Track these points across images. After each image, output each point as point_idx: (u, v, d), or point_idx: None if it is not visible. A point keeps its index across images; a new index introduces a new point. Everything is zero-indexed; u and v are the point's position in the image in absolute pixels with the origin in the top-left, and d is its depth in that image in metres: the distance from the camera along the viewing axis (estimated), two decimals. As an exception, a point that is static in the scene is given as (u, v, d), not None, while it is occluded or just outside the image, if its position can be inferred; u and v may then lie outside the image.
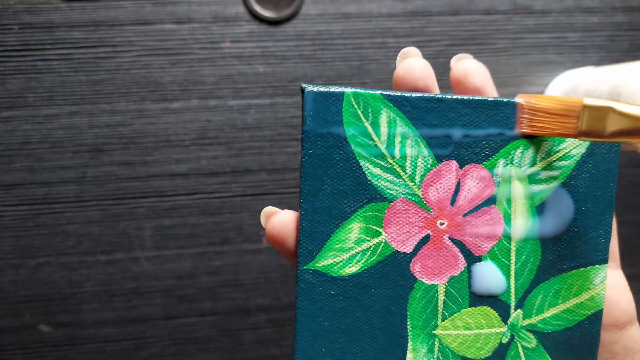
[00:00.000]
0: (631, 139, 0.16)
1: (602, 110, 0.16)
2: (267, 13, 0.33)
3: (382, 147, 0.18)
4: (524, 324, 0.19)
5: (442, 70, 0.35)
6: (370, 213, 0.18)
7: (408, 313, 0.18)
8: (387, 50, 0.34)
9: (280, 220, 0.19)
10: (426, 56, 0.35)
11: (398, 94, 0.18)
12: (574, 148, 0.18)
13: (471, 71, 0.19)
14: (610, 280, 0.19)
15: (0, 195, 0.33)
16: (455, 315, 0.18)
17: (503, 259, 0.18)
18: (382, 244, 0.18)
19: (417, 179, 0.18)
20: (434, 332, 0.18)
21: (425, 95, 0.18)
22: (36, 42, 0.32)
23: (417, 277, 0.18)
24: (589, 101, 0.16)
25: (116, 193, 0.34)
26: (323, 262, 0.18)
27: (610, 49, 0.36)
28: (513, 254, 0.18)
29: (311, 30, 0.34)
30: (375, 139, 0.18)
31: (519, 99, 0.18)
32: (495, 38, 0.35)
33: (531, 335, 0.19)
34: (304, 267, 0.18)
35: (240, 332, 0.36)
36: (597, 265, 0.19)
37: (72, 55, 0.33)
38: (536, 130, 0.18)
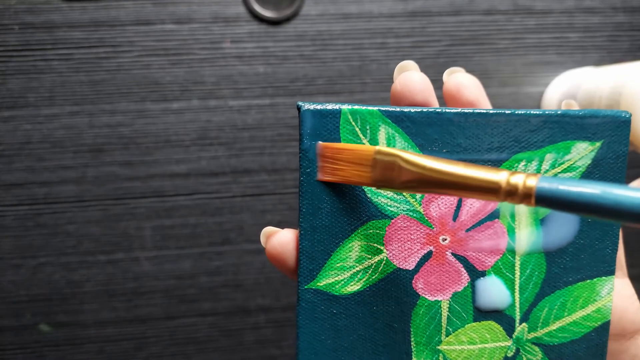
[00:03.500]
0: (425, 191, 0.15)
1: (390, 160, 0.15)
2: (267, 13, 0.33)
3: None
4: (529, 338, 0.18)
5: (442, 71, 0.35)
6: (370, 231, 0.18)
7: (411, 329, 0.18)
8: (388, 51, 0.34)
9: (280, 240, 0.18)
10: (426, 56, 0.35)
11: (397, 109, 0.17)
12: (580, 159, 0.18)
13: (464, 85, 0.19)
14: (617, 290, 0.19)
15: (0, 195, 0.33)
16: (460, 330, 0.18)
17: (507, 273, 0.18)
18: (384, 262, 0.18)
19: (418, 195, 0.18)
20: (438, 347, 0.18)
21: (425, 109, 0.18)
22: (37, 42, 0.32)
23: (420, 293, 0.18)
24: (379, 149, 0.16)
25: (116, 193, 0.34)
26: (324, 281, 0.18)
27: (610, 49, 0.36)
28: (517, 268, 0.18)
29: (311, 30, 0.34)
30: None
31: (319, 147, 0.17)
32: (495, 38, 0.35)
33: (537, 349, 0.18)
34: (305, 287, 0.18)
35: (240, 332, 0.36)
36: (603, 277, 0.18)
37: (72, 55, 0.33)
38: (336, 177, 0.17)
